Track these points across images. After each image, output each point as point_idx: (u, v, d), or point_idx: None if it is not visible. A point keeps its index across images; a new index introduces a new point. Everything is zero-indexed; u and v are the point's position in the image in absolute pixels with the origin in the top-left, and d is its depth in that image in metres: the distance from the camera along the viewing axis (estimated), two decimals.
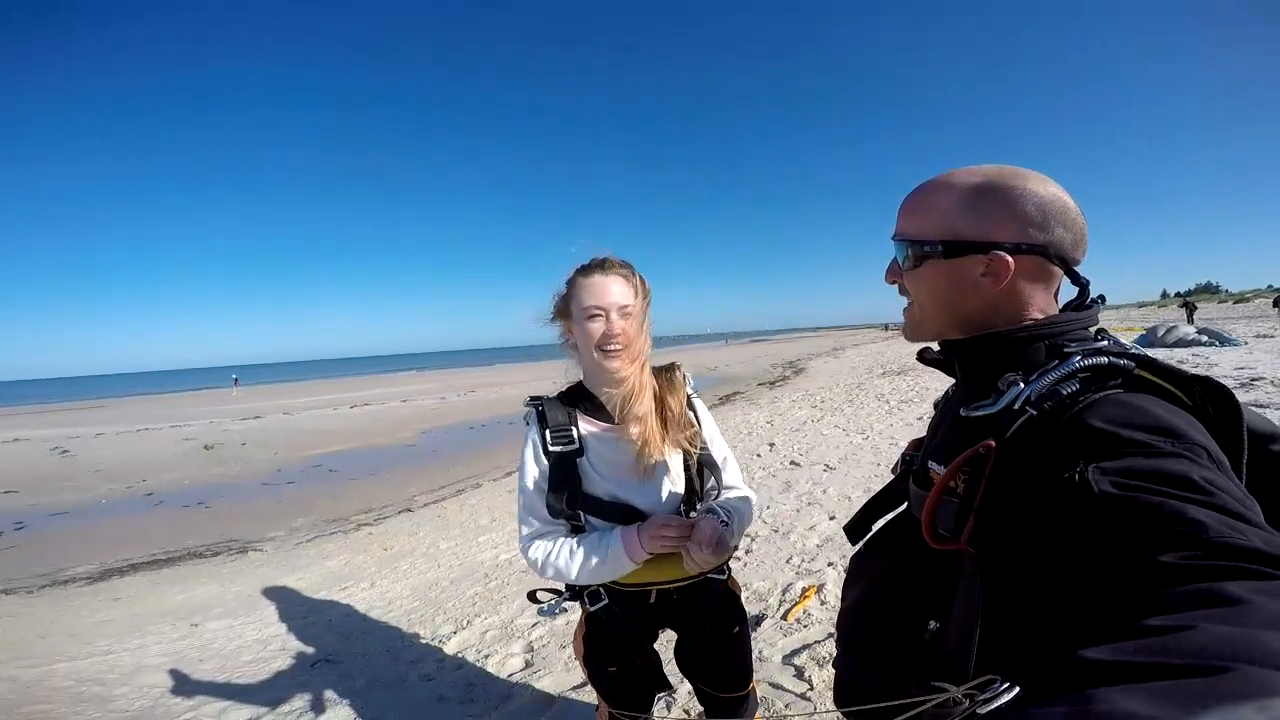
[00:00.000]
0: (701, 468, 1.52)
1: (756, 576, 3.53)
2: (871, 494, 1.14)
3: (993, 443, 0.74)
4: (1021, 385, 0.75)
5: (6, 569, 6.13)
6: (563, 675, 2.70)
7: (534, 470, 1.47)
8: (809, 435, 8.14)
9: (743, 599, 1.66)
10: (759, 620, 2.98)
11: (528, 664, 2.90)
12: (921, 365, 1.02)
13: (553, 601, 1.58)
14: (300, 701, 2.72)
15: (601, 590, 1.49)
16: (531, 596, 1.62)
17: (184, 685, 3.08)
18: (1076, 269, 0.83)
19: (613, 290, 1.40)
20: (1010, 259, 0.79)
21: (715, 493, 1.55)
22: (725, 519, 1.41)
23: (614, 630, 1.51)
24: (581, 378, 1.54)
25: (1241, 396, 7.38)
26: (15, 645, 3.92)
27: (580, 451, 1.44)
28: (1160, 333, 16.08)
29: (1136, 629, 0.44)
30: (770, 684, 2.44)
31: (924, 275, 0.88)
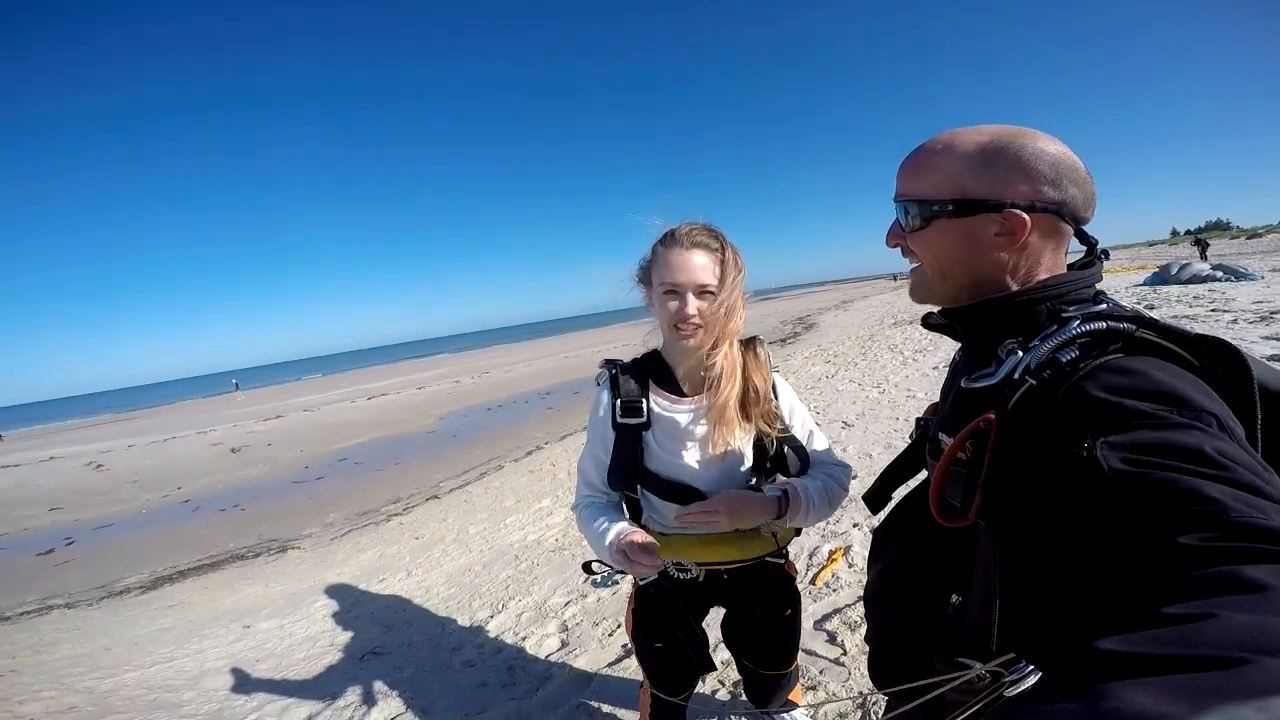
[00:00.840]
0: (780, 448, 1.46)
1: (795, 544, 3.63)
2: (891, 450, 1.15)
3: (993, 416, 0.73)
4: (1020, 354, 0.74)
5: (65, 583, 6.45)
6: (598, 653, 2.86)
7: (600, 439, 1.46)
8: (825, 392, 8.18)
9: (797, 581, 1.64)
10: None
11: (564, 644, 3.06)
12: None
13: (606, 573, 1.62)
14: (353, 695, 2.91)
15: None
16: (586, 567, 1.64)
17: (245, 686, 3.29)
18: (1085, 230, 0.83)
19: (692, 269, 1.33)
20: (1026, 217, 0.78)
21: (796, 471, 1.48)
22: (780, 496, 1.38)
23: (661, 605, 1.52)
24: (660, 345, 1.50)
25: (1261, 330, 7.26)
26: (85, 658, 4.18)
27: (647, 425, 1.41)
28: (1174, 270, 15.71)
29: (1154, 617, 0.42)
30: (803, 650, 2.48)
31: (931, 235, 0.86)
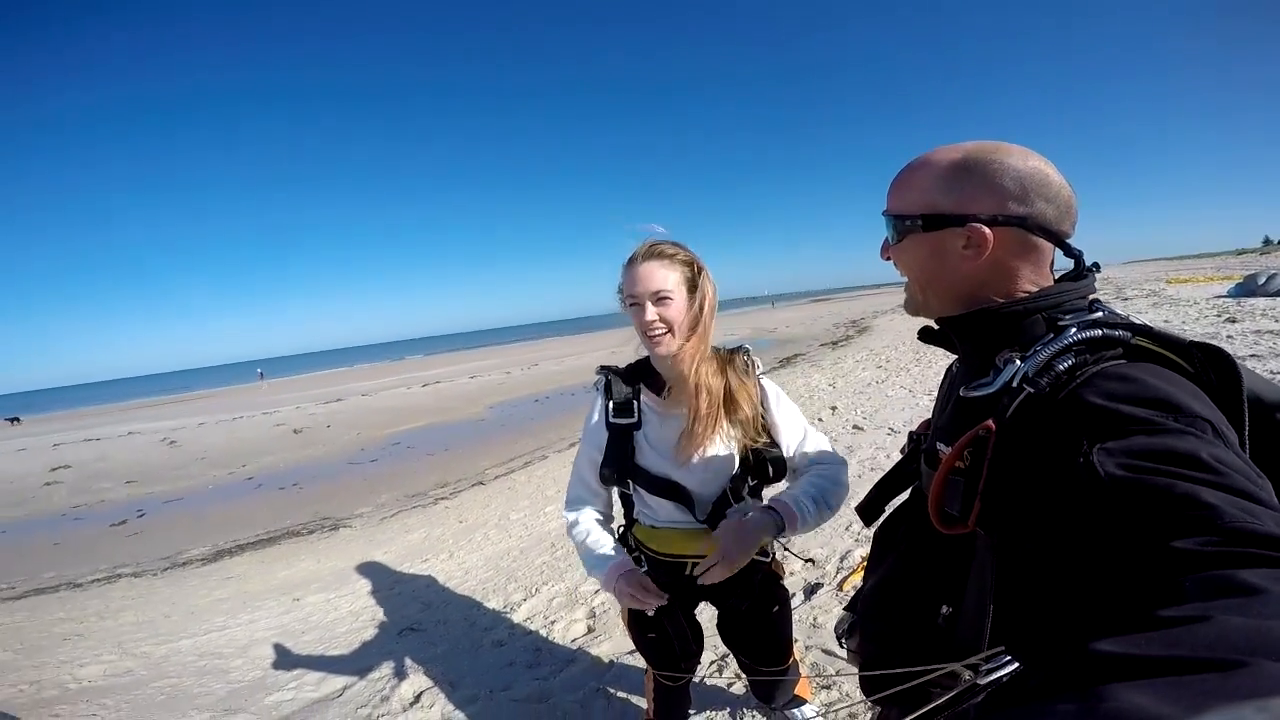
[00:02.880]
0: (762, 457, 1.51)
1: (815, 544, 3.57)
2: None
3: (992, 424, 0.74)
4: (1018, 362, 0.75)
5: (134, 553, 6.84)
6: (621, 640, 2.88)
7: (594, 438, 1.57)
8: (873, 398, 7.98)
9: (788, 578, 1.72)
10: (816, 588, 3.04)
11: (590, 629, 3.11)
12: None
13: None
14: (388, 668, 3.01)
15: (641, 557, 1.60)
16: None
17: (289, 656, 3.43)
18: (1068, 242, 0.82)
19: (646, 278, 1.40)
20: (988, 231, 0.79)
21: (800, 472, 1.54)
22: (775, 518, 1.41)
23: None
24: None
25: None
26: (145, 625, 4.43)
27: (638, 425, 1.52)
28: (1261, 280, 14.51)
29: (1151, 620, 0.42)
30: (823, 650, 2.52)
31: (906, 250, 0.89)
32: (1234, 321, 10.01)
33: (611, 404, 1.53)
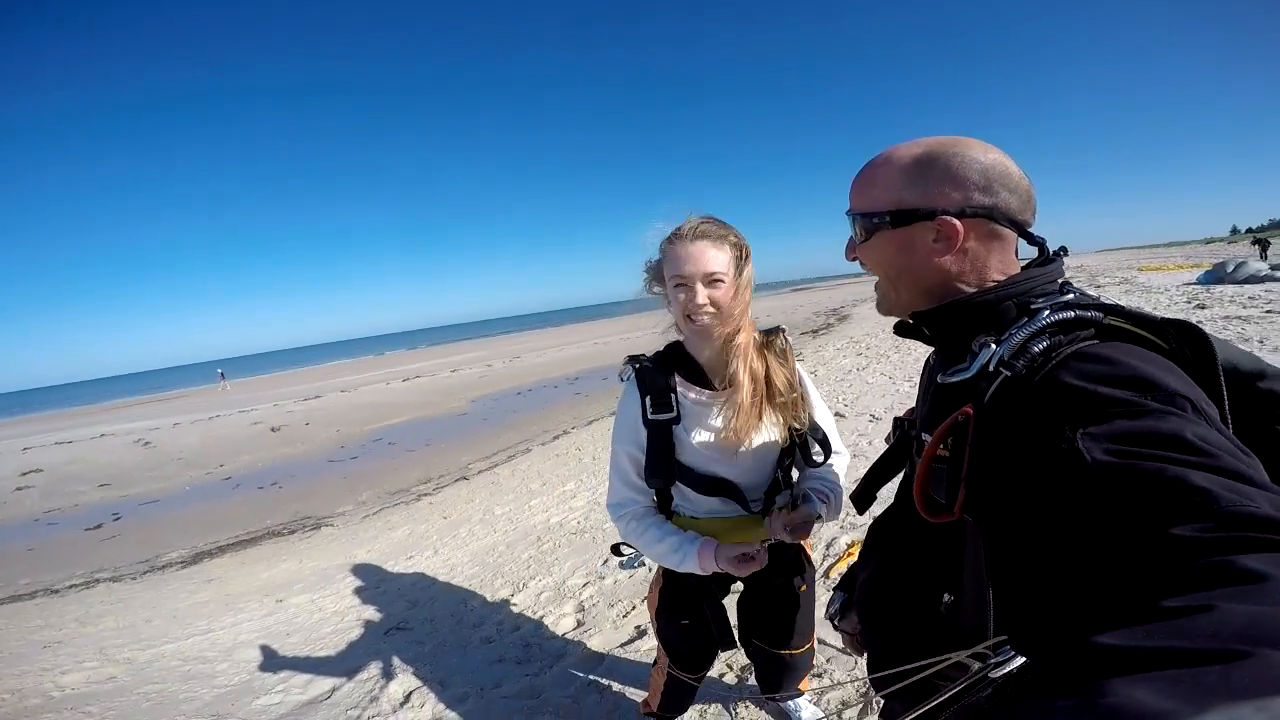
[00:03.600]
0: (806, 439, 1.49)
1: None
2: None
3: (970, 409, 0.74)
4: (993, 346, 0.75)
5: (111, 557, 6.72)
6: (611, 634, 2.89)
7: (632, 436, 1.47)
8: (854, 384, 8.05)
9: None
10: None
11: (579, 623, 3.11)
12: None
13: (635, 554, 1.67)
14: (376, 668, 2.99)
15: None
16: (615, 550, 1.70)
17: (274, 658, 3.40)
18: (1030, 230, 0.84)
19: (698, 258, 1.33)
20: (957, 223, 0.79)
21: (820, 461, 1.52)
22: (819, 507, 1.42)
23: (689, 581, 1.56)
24: (679, 337, 1.51)
25: None
26: (127, 630, 4.36)
27: (678, 419, 1.43)
28: (1230, 268, 15.04)
29: (1152, 611, 0.41)
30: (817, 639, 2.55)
31: (874, 247, 0.88)
32: (1203, 308, 10.28)
33: (649, 399, 1.43)
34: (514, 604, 3.52)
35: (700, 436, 1.44)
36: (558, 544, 4.41)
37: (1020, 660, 0.77)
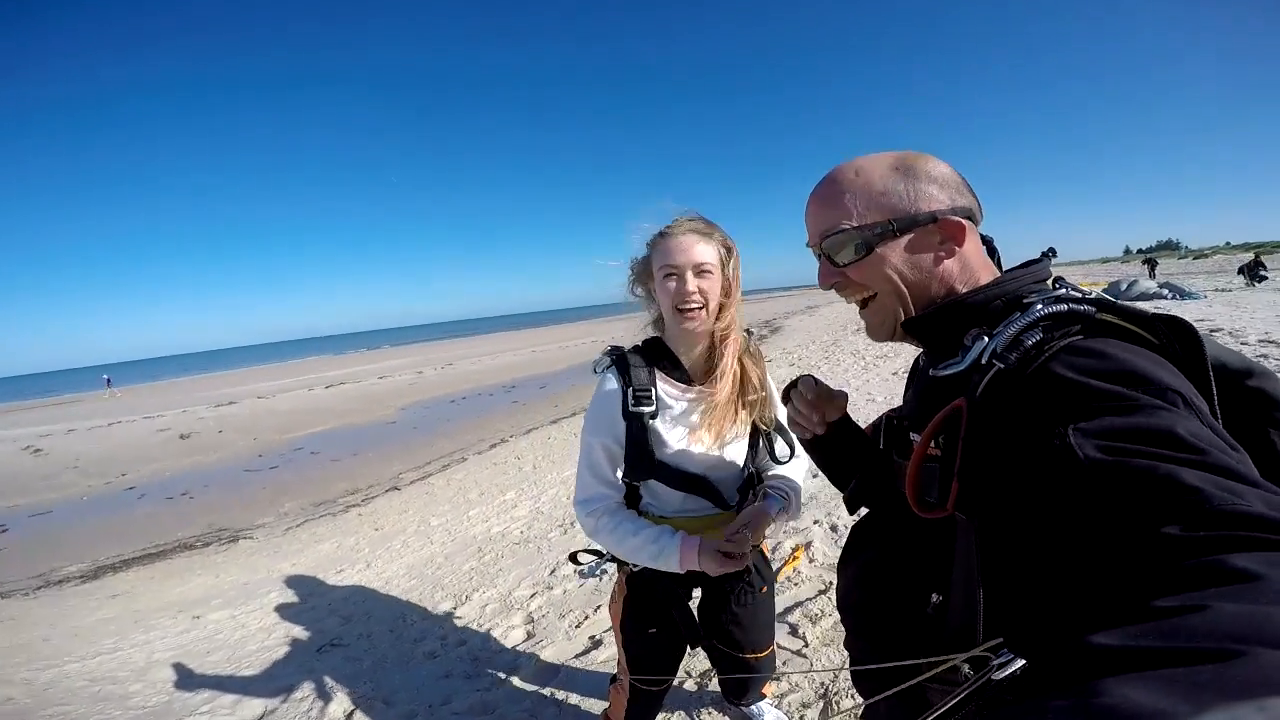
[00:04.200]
0: (771, 436, 1.53)
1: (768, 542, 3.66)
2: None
3: (963, 401, 0.73)
4: (986, 339, 0.74)
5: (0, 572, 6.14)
6: (565, 645, 2.85)
7: (609, 428, 1.44)
8: None
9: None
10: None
11: (529, 635, 3.05)
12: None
13: (594, 563, 1.66)
14: (310, 687, 2.84)
15: None
16: (573, 558, 1.69)
17: (195, 678, 3.18)
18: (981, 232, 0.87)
19: (689, 248, 1.36)
20: (964, 220, 0.80)
21: (786, 458, 1.55)
22: (783, 504, 1.47)
23: (655, 588, 1.55)
24: (658, 334, 1.52)
25: None
26: (21, 649, 3.98)
27: (655, 413, 1.42)
28: (1123, 287, 16.49)
29: (1146, 611, 0.41)
30: (778, 644, 2.58)
31: (878, 260, 0.84)
32: None
33: (632, 390, 1.41)
34: (458, 617, 3.42)
35: (677, 432, 1.44)
36: (500, 554, 4.31)
37: (1018, 664, 0.75)
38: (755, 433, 1.53)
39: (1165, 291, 15.49)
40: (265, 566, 5.12)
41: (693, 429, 1.45)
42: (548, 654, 2.80)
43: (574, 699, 2.42)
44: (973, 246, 0.83)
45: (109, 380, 39.47)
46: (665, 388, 1.45)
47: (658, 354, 1.49)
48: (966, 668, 0.79)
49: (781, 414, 1.55)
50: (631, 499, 1.54)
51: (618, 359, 1.47)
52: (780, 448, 1.54)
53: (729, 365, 1.42)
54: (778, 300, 56.03)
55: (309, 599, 4.19)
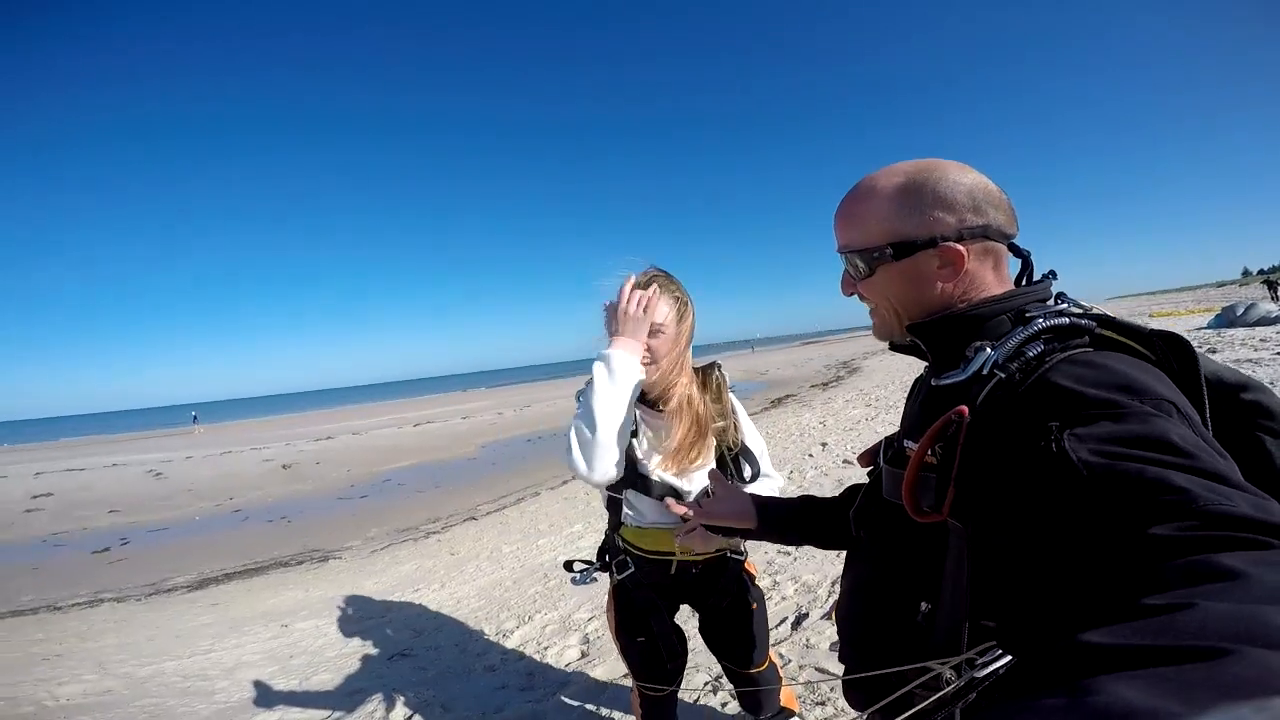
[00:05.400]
0: (737, 458, 1.64)
1: (807, 570, 3.58)
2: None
3: (964, 409, 0.73)
4: (989, 350, 0.75)
5: (117, 580, 6.72)
6: (616, 664, 2.85)
7: None
8: (863, 434, 8.07)
9: (780, 603, 1.75)
10: (805, 615, 3.03)
11: (584, 654, 3.09)
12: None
13: (584, 570, 1.78)
14: (378, 692, 2.97)
15: (628, 559, 1.65)
16: (568, 565, 1.81)
17: (277, 678, 3.38)
18: (1016, 243, 0.86)
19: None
20: (960, 247, 0.80)
21: (749, 479, 1.64)
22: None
23: (637, 598, 1.66)
24: None
25: None
26: (128, 647, 4.34)
27: (636, 432, 1.58)
28: (1239, 311, 14.97)
29: (1135, 609, 0.42)
30: (817, 669, 2.53)
31: (879, 281, 0.88)
32: (1215, 352, 10.21)
33: None
34: (519, 636, 3.50)
35: (650, 450, 1.59)
36: (564, 580, 4.36)
37: (1001, 663, 0.77)
38: (723, 454, 1.63)
39: None
40: (350, 583, 5.38)
41: (658, 448, 1.58)
42: (598, 672, 2.83)
43: (617, 715, 2.45)
44: (979, 266, 0.83)
45: (196, 417, 42.51)
46: (641, 413, 1.59)
47: None
48: (950, 672, 0.79)
49: (747, 437, 1.67)
50: (613, 511, 1.66)
51: None
52: (746, 469, 1.64)
53: (679, 414, 1.55)
54: (859, 340, 54.49)
55: (387, 613, 4.38)
